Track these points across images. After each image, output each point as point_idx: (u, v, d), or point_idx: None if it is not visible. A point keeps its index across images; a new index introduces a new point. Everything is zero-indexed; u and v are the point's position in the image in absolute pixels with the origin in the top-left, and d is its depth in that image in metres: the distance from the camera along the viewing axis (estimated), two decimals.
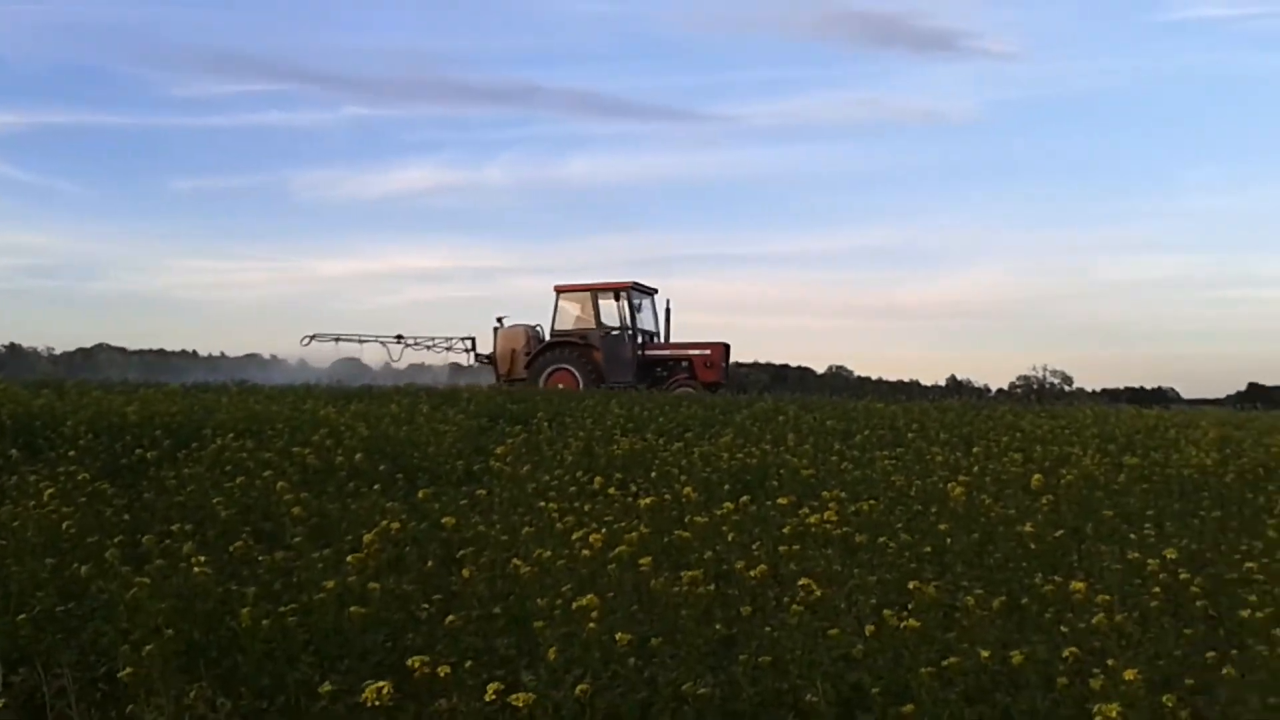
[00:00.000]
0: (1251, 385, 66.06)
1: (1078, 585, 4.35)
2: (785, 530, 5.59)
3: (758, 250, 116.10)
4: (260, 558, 5.00)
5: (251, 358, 46.20)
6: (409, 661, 3.12)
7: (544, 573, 4.55)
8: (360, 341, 27.38)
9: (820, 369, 74.43)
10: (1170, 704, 3.08)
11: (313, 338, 27.19)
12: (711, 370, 24.16)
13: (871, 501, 6.84)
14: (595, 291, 24.87)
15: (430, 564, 5.28)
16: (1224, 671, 3.56)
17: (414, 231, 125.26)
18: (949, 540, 5.76)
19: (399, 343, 26.80)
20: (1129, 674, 3.04)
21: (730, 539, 5.64)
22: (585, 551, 4.78)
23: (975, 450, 9.89)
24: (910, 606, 4.06)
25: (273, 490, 6.60)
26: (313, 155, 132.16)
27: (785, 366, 66.65)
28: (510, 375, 24.59)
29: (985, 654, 3.36)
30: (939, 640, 3.71)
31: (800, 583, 3.87)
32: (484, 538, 5.58)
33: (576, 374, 23.65)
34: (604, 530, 5.11)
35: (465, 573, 4.61)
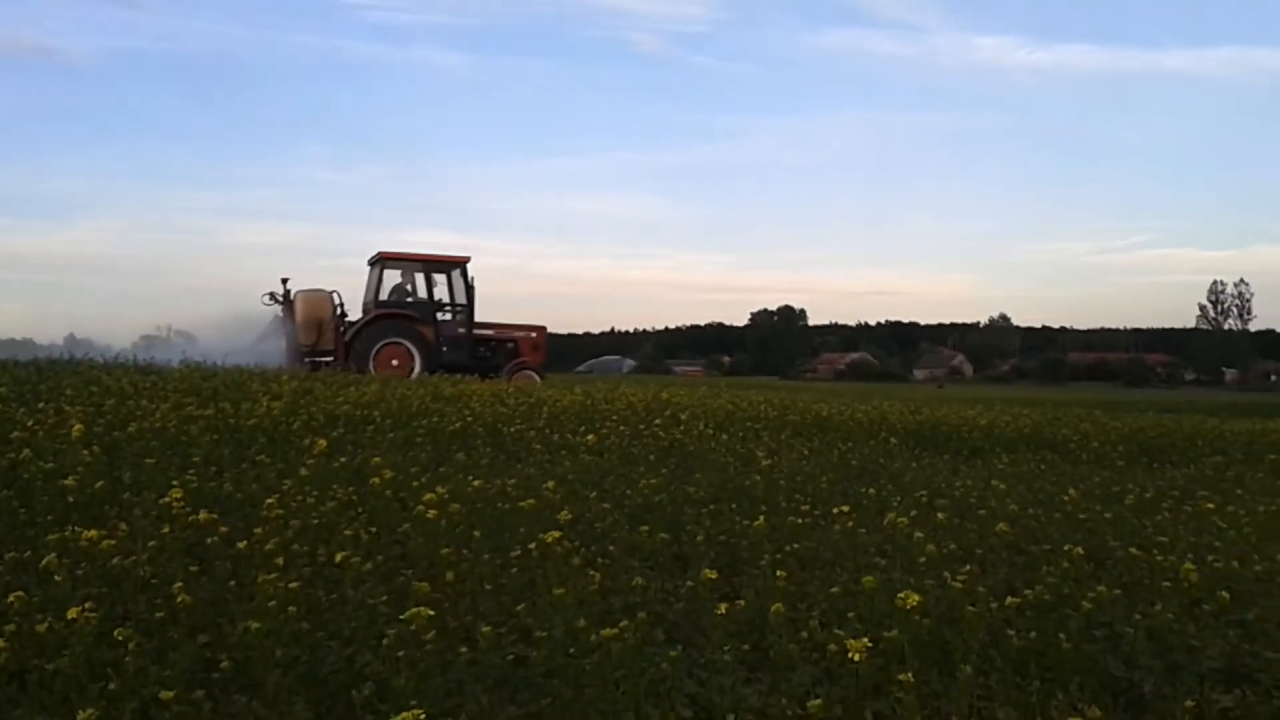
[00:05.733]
0: None
1: (90, 534, 4.33)
2: None
3: None
4: None
5: None
6: None
7: None
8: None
9: None
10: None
11: (272, 295, 22.13)
12: (538, 352, 23.16)
13: None
14: (429, 263, 22.73)
15: None
16: (179, 599, 3.83)
17: None
18: None
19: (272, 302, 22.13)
20: (75, 614, 3.11)
21: None
22: None
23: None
24: None
25: None
26: None
27: None
28: (316, 348, 21.07)
29: None
30: None
31: None
32: None
33: (414, 352, 21.15)
34: None
35: None
